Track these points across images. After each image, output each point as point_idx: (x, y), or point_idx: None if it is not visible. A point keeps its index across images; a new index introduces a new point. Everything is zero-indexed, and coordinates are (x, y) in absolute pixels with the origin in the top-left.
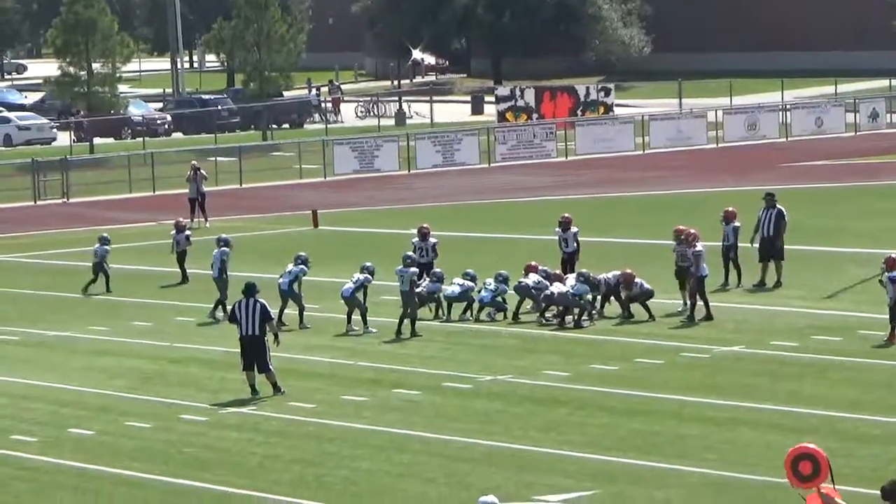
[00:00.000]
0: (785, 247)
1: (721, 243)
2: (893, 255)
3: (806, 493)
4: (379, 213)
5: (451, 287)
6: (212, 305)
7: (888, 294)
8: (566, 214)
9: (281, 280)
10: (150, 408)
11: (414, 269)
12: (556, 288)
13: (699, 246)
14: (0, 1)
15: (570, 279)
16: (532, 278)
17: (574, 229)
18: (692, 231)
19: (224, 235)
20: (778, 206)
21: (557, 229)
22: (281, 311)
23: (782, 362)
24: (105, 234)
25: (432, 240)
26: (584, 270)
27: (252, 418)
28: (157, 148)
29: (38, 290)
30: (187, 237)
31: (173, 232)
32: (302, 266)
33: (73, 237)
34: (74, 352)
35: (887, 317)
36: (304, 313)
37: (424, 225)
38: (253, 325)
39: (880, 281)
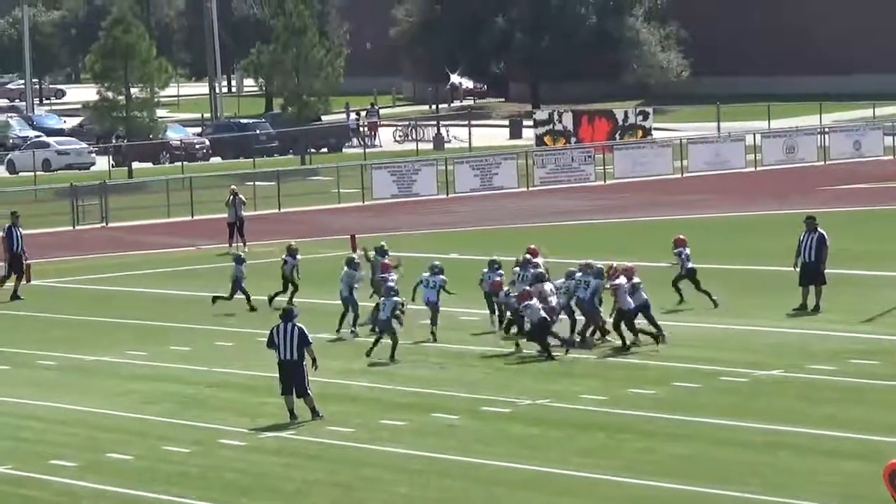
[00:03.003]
0: (826, 271)
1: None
2: None
3: None
4: (417, 238)
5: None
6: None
7: None
8: (532, 245)
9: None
10: (188, 432)
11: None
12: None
13: (619, 280)
14: (39, 26)
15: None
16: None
17: (538, 260)
18: (615, 265)
19: (351, 256)
20: (819, 229)
21: (520, 269)
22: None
23: (820, 386)
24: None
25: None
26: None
27: (290, 443)
28: (195, 172)
29: (76, 314)
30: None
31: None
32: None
33: (112, 262)
34: (113, 376)
35: None
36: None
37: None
38: (291, 350)
39: None
